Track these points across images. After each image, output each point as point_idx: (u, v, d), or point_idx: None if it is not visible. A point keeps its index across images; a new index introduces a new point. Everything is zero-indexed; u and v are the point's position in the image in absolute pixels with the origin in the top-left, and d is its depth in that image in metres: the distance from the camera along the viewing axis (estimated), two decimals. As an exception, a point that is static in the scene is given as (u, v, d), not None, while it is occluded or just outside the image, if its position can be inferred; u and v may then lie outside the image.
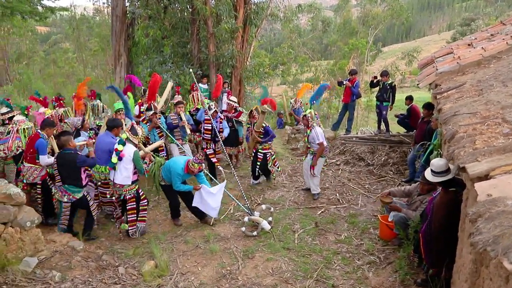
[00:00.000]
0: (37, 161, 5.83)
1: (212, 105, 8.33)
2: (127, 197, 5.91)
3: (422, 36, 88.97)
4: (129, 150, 5.77)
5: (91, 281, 4.69)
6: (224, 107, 11.61)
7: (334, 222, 6.67)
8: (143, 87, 9.09)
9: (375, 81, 10.15)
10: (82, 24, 33.69)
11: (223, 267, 5.26)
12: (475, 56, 6.27)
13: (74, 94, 7.90)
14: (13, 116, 6.61)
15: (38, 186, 6.02)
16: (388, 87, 9.72)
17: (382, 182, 8.71)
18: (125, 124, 6.87)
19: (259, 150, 7.98)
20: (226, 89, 11.51)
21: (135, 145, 5.96)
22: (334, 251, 5.70)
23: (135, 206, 6.03)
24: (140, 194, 6.10)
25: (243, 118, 8.82)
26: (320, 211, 7.11)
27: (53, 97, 7.72)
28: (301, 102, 11.58)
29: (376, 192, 8.13)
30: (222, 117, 8.47)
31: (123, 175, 5.79)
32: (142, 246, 5.80)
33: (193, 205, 6.32)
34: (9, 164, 6.24)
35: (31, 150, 5.82)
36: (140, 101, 8.77)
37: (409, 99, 10.01)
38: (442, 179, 4.33)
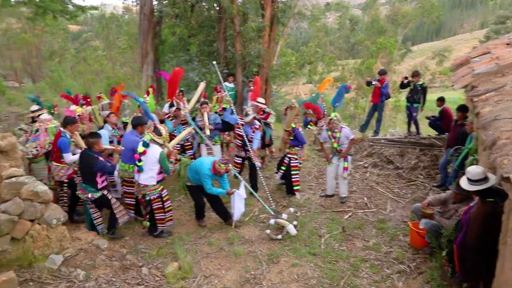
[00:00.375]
0: (62, 160, 5.89)
1: (249, 110, 7.64)
2: (151, 198, 5.83)
3: (453, 35, 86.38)
4: (154, 151, 5.67)
5: (115, 281, 4.67)
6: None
7: (361, 227, 6.46)
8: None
9: (405, 81, 9.81)
10: (112, 23, 34.33)
11: (247, 271, 5.15)
12: (517, 56, 5.94)
13: (99, 94, 8.00)
14: (42, 114, 6.68)
15: (65, 184, 6.09)
16: (419, 88, 9.37)
17: (412, 186, 8.41)
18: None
19: (287, 154, 7.60)
20: (251, 87, 11.40)
21: (160, 145, 5.86)
22: (362, 258, 5.50)
23: (161, 205, 5.93)
24: (164, 195, 5.99)
25: (272, 119, 8.58)
26: (348, 215, 6.91)
27: (81, 96, 7.80)
28: (322, 97, 10.78)
29: (405, 197, 7.86)
30: (258, 126, 7.58)
31: (148, 175, 5.71)
32: (166, 246, 5.76)
33: (235, 217, 6.31)
34: (39, 162, 6.25)
35: (55, 149, 5.90)
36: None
37: (441, 100, 9.64)
38: (479, 188, 4.08)
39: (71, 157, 5.84)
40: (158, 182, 5.87)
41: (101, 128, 7.04)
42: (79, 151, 5.90)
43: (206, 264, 5.34)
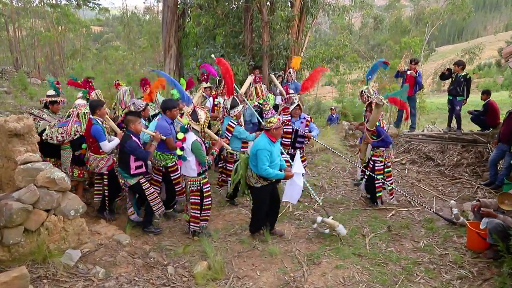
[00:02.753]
0: (100, 150, 5.45)
1: (296, 98, 6.85)
2: (191, 189, 5.26)
3: (475, 37, 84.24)
4: (188, 139, 5.07)
5: (138, 281, 4.13)
6: (278, 100, 10.94)
7: (408, 226, 5.79)
8: (218, 77, 7.96)
9: (446, 73, 9.02)
10: (133, 22, 34.42)
11: (285, 273, 4.55)
12: None
13: (116, 81, 7.51)
14: (56, 101, 6.20)
15: (105, 176, 5.63)
16: (462, 79, 8.59)
17: (457, 184, 7.70)
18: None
19: (371, 157, 6.46)
20: (280, 82, 10.84)
21: (199, 132, 5.21)
22: (414, 260, 4.84)
23: (198, 201, 5.30)
24: (205, 190, 5.32)
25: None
26: (391, 214, 6.25)
27: (82, 79, 7.21)
28: (295, 73, 9.50)
29: (451, 195, 7.16)
30: (310, 119, 6.88)
31: (187, 165, 5.17)
32: (193, 244, 5.20)
33: (284, 199, 5.38)
34: (66, 150, 5.82)
35: (91, 140, 5.44)
36: (214, 93, 7.87)
37: (486, 93, 8.89)
38: None
39: (108, 145, 5.42)
40: (199, 174, 5.23)
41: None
42: (114, 137, 5.60)
43: (238, 264, 4.77)
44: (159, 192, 5.72)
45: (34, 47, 30.28)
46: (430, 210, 6.25)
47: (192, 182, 5.23)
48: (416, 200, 6.59)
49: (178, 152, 5.04)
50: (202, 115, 5.20)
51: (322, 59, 13.11)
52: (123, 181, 5.27)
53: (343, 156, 7.87)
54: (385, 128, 6.27)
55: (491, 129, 8.97)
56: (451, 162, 8.56)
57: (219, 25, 11.93)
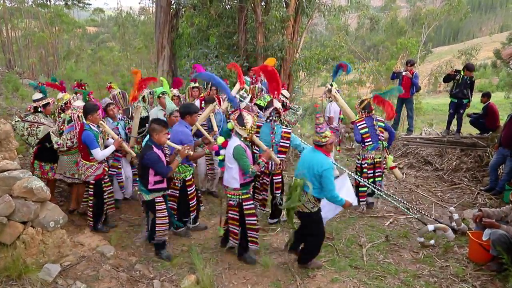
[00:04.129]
0: (91, 157, 5.07)
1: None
2: (229, 203, 4.70)
3: (471, 38, 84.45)
4: (231, 145, 4.53)
5: (121, 297, 3.88)
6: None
7: (407, 235, 5.57)
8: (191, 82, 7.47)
9: (452, 75, 8.67)
10: (128, 23, 34.14)
11: (278, 287, 4.32)
12: None
13: (109, 84, 7.24)
14: (48, 103, 5.95)
15: (91, 186, 5.21)
16: (468, 82, 8.33)
17: (456, 190, 7.49)
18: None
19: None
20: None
21: (246, 139, 4.61)
22: (413, 273, 4.62)
23: (237, 217, 4.68)
24: (245, 207, 4.64)
25: (287, 116, 7.59)
26: (388, 222, 6.02)
27: (75, 82, 6.93)
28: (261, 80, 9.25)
29: (451, 202, 6.95)
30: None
31: (229, 175, 4.60)
32: (182, 255, 4.95)
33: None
34: (73, 155, 5.52)
35: (82, 146, 5.07)
36: (202, 95, 7.26)
37: (486, 96, 8.66)
38: None
39: (100, 153, 5.03)
40: (242, 186, 4.61)
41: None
42: (111, 141, 5.33)
43: (228, 277, 4.53)
44: (176, 207, 5.35)
45: (28, 48, 29.96)
46: (430, 217, 6.04)
47: (231, 196, 4.63)
48: (414, 207, 6.37)
49: (216, 156, 4.70)
50: (249, 119, 4.55)
51: (317, 60, 12.88)
52: (139, 193, 4.79)
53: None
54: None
55: (491, 132, 8.77)
56: (450, 167, 8.35)
57: (212, 25, 11.67)
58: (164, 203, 4.70)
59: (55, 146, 5.30)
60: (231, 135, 4.61)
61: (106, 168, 5.33)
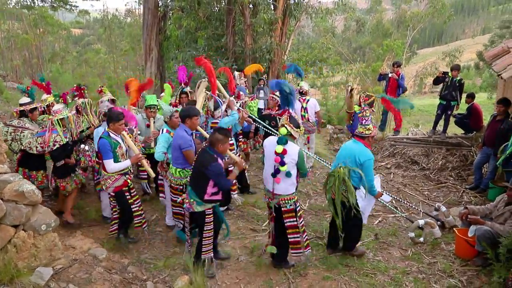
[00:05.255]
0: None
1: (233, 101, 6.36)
2: (284, 209, 4.42)
3: (454, 40, 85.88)
4: (292, 151, 4.26)
5: (114, 299, 3.89)
6: (261, 105, 10.76)
7: (396, 233, 5.68)
8: (182, 84, 7.27)
9: (441, 77, 8.85)
10: (114, 25, 33.86)
11: (271, 286, 4.37)
12: None
13: (101, 87, 7.20)
14: (36, 108, 5.88)
15: (111, 198, 5.01)
16: (457, 84, 8.51)
17: (442, 188, 7.66)
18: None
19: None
20: (261, 85, 10.70)
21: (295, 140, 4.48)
22: (402, 270, 4.72)
23: (295, 223, 4.45)
24: (298, 208, 4.50)
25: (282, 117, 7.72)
26: (377, 220, 6.13)
27: (74, 86, 6.63)
28: (245, 81, 9.06)
29: (437, 200, 7.10)
30: None
31: (287, 182, 4.34)
32: (174, 256, 4.97)
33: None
34: (47, 160, 5.52)
35: (99, 154, 4.83)
36: (174, 102, 6.98)
37: (471, 97, 8.86)
38: None
39: (112, 165, 4.67)
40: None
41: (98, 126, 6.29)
42: (126, 162, 4.87)
43: (221, 277, 4.56)
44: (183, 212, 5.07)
45: (11, 50, 29.48)
46: (420, 210, 6.19)
47: (287, 201, 4.39)
48: (403, 201, 6.48)
49: (283, 168, 4.24)
50: (300, 120, 4.50)
51: (305, 62, 13.02)
52: (188, 203, 4.40)
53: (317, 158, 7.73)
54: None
55: (475, 132, 8.98)
56: (436, 166, 8.53)
57: (201, 27, 11.73)
58: (212, 215, 4.43)
59: (23, 146, 5.18)
60: (286, 140, 4.27)
61: (129, 181, 4.93)
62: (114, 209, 5.09)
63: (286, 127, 4.26)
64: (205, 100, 6.19)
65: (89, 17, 38.96)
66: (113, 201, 5.03)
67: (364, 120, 4.57)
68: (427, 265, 4.85)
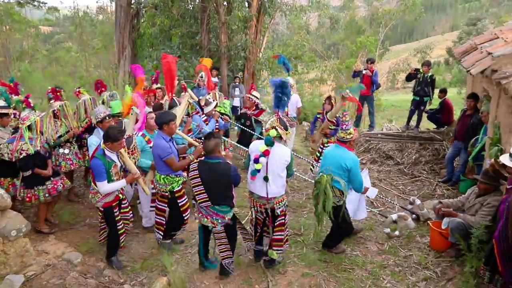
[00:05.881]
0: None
1: (211, 99, 6.74)
2: (278, 211, 4.43)
3: (425, 37, 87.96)
4: (283, 152, 4.26)
5: (90, 304, 3.80)
6: (237, 103, 10.74)
7: (372, 228, 5.77)
8: (146, 83, 7.01)
9: (413, 73, 9.03)
10: (85, 22, 33.05)
11: (250, 285, 4.36)
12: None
13: (77, 88, 6.98)
14: (7, 114, 5.55)
15: (100, 213, 4.70)
16: (429, 80, 8.70)
17: (416, 182, 7.82)
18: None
19: (325, 144, 6.80)
20: (237, 83, 10.67)
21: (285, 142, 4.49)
22: (379, 264, 4.80)
23: (284, 221, 4.54)
24: (287, 208, 4.61)
25: (264, 117, 7.78)
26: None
27: (49, 88, 6.42)
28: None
29: (412, 194, 7.25)
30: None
31: (278, 185, 4.33)
32: (152, 258, 4.89)
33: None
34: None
35: (90, 170, 4.51)
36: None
37: (444, 92, 9.10)
38: None
39: (106, 186, 4.25)
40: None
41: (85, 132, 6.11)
42: (120, 182, 4.47)
43: (200, 277, 4.51)
44: (164, 222, 5.04)
45: (-26, 48, 28.36)
46: (396, 204, 6.33)
47: (280, 203, 4.42)
48: (379, 196, 6.59)
49: (257, 166, 4.20)
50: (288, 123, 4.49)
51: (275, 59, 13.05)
52: (219, 221, 4.18)
53: (302, 157, 7.79)
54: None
55: (446, 126, 9.21)
56: (410, 160, 8.70)
57: (175, 25, 11.57)
58: None
59: None
60: (273, 142, 4.24)
61: (120, 195, 4.58)
62: (102, 220, 4.79)
63: (276, 129, 4.23)
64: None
65: (58, 14, 37.85)
66: (101, 219, 4.74)
67: (345, 125, 4.69)
68: (403, 258, 4.95)
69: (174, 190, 4.81)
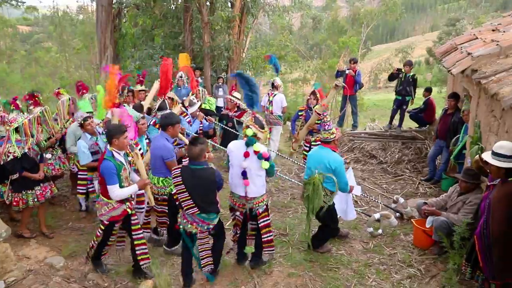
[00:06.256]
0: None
1: (195, 100, 6.88)
2: (259, 211, 4.41)
3: (406, 37, 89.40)
4: (263, 151, 4.23)
5: (74, 310, 3.73)
6: (220, 103, 10.71)
7: (357, 227, 5.83)
8: (122, 84, 6.61)
9: (395, 73, 9.17)
10: (65, 22, 32.48)
11: (236, 286, 4.35)
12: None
13: (57, 89, 6.83)
14: None
15: (102, 226, 4.26)
16: (411, 79, 8.84)
17: (400, 181, 7.93)
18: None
19: (312, 142, 6.80)
20: (220, 84, 10.64)
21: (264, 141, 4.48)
22: (365, 262, 4.85)
23: (268, 221, 4.53)
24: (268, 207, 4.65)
25: (246, 118, 7.78)
26: (339, 215, 6.23)
27: (27, 94, 6.08)
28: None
29: (395, 192, 7.34)
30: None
31: (257, 184, 4.28)
32: (136, 261, 4.83)
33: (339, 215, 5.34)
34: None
35: (101, 178, 4.12)
36: (118, 101, 6.05)
37: (428, 91, 9.26)
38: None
39: (118, 191, 3.99)
40: None
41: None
42: (136, 178, 4.39)
43: (186, 280, 4.48)
44: (166, 222, 5.00)
45: None
46: (380, 203, 6.40)
47: (261, 203, 4.39)
48: (363, 195, 6.66)
49: (264, 166, 4.17)
50: (264, 122, 4.42)
51: (264, 60, 13.08)
52: (206, 227, 4.11)
53: (286, 157, 7.82)
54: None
55: (428, 125, 9.37)
56: (393, 159, 8.81)
57: (157, 25, 11.49)
58: None
59: None
60: (255, 141, 4.20)
61: (129, 210, 4.23)
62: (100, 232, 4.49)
63: (251, 128, 4.19)
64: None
65: (37, 13, 37.06)
66: (99, 231, 4.32)
67: (327, 125, 4.75)
68: (388, 256, 5.01)
69: (173, 193, 4.62)
